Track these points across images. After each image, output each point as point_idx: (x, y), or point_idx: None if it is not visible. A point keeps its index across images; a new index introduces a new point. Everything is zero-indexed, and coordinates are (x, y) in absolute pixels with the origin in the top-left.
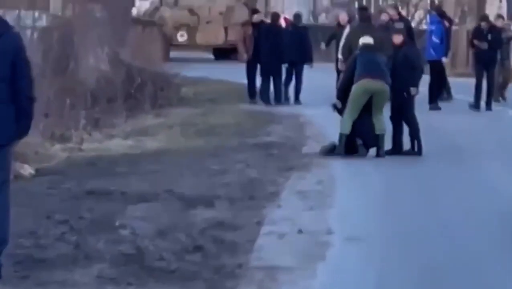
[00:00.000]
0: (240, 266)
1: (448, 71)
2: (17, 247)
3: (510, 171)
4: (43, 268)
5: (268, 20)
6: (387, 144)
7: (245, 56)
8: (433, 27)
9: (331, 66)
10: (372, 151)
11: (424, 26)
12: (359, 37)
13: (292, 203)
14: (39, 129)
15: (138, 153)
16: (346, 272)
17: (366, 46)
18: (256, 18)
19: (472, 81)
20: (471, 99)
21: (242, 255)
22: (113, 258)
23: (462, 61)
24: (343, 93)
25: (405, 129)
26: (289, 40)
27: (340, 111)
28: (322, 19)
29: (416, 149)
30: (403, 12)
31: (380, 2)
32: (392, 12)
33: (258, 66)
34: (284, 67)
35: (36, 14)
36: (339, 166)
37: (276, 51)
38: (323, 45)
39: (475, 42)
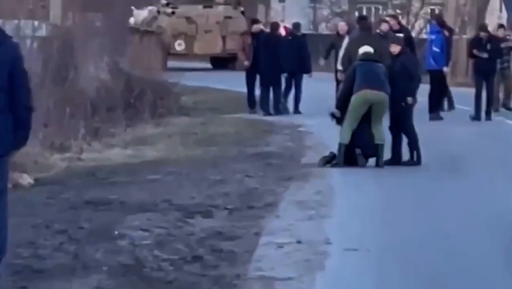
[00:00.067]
0: (238, 276)
1: (448, 80)
2: (15, 257)
3: (509, 181)
4: (42, 279)
5: (268, 30)
6: (387, 154)
7: (246, 63)
8: (433, 37)
9: (331, 75)
10: (371, 161)
11: (424, 36)
12: (359, 47)
13: (290, 213)
14: (38, 138)
15: (138, 163)
16: (345, 282)
17: (365, 56)
18: (255, 28)
19: (472, 91)
20: (471, 109)
21: (241, 265)
22: (111, 268)
23: (462, 71)
24: (342, 103)
25: (405, 139)
26: (288, 50)
27: (339, 121)
28: (323, 28)
29: (415, 159)
30: (403, 22)
31: (380, 11)
32: (392, 21)
33: (258, 75)
34: (283, 77)
35: (36, 23)
36: (338, 176)
37: (275, 61)
38: (322, 61)
39: (475, 52)
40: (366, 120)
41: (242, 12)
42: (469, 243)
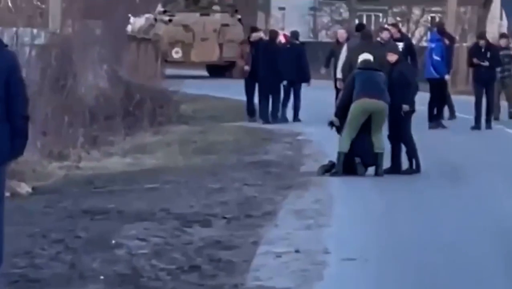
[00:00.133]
0: (236, 286)
1: (449, 89)
2: (12, 267)
3: (509, 189)
4: (38, 288)
5: (267, 38)
6: (386, 163)
7: (246, 67)
8: (433, 45)
9: (330, 83)
10: (371, 170)
11: (424, 43)
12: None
13: (289, 222)
14: (37, 147)
15: (136, 171)
16: None
17: (365, 64)
18: (254, 36)
19: (473, 99)
20: (472, 117)
21: (239, 275)
22: (108, 278)
23: (462, 79)
24: (341, 111)
25: (403, 147)
26: (287, 58)
27: (339, 130)
28: (323, 36)
29: (414, 167)
30: (404, 29)
31: (381, 19)
32: (393, 29)
33: (256, 83)
34: (282, 86)
35: (35, 31)
36: (337, 185)
37: (274, 69)
38: (323, 70)
39: (475, 60)
40: (366, 129)
41: (239, 20)
42: (469, 252)
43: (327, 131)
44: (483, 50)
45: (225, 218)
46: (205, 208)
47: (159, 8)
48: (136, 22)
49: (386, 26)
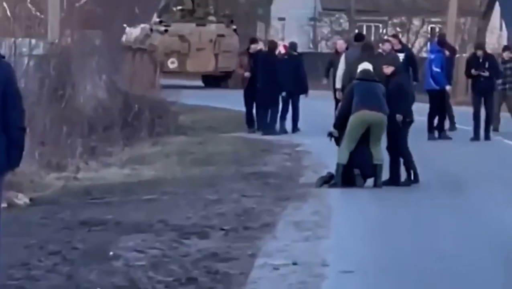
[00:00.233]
0: None
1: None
2: (9, 278)
3: (508, 201)
4: None
5: (266, 49)
6: (385, 175)
7: (246, 74)
8: (433, 56)
9: (330, 94)
10: (370, 181)
11: (424, 54)
12: None
13: (287, 234)
14: (35, 157)
15: (134, 182)
16: None
17: (364, 75)
18: (253, 48)
19: (472, 109)
20: (471, 128)
21: (236, 287)
22: None
23: (462, 90)
24: (340, 122)
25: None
26: (286, 69)
27: (338, 141)
28: (322, 46)
29: (412, 178)
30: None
31: (381, 30)
32: (394, 41)
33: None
34: (281, 97)
35: (33, 41)
36: (336, 196)
37: (273, 80)
38: (325, 80)
39: (473, 72)
40: (365, 140)
41: (235, 30)
42: (468, 263)
43: (326, 142)
44: (481, 60)
45: (223, 229)
46: (203, 219)
47: (155, 18)
48: (132, 32)
49: (387, 37)
